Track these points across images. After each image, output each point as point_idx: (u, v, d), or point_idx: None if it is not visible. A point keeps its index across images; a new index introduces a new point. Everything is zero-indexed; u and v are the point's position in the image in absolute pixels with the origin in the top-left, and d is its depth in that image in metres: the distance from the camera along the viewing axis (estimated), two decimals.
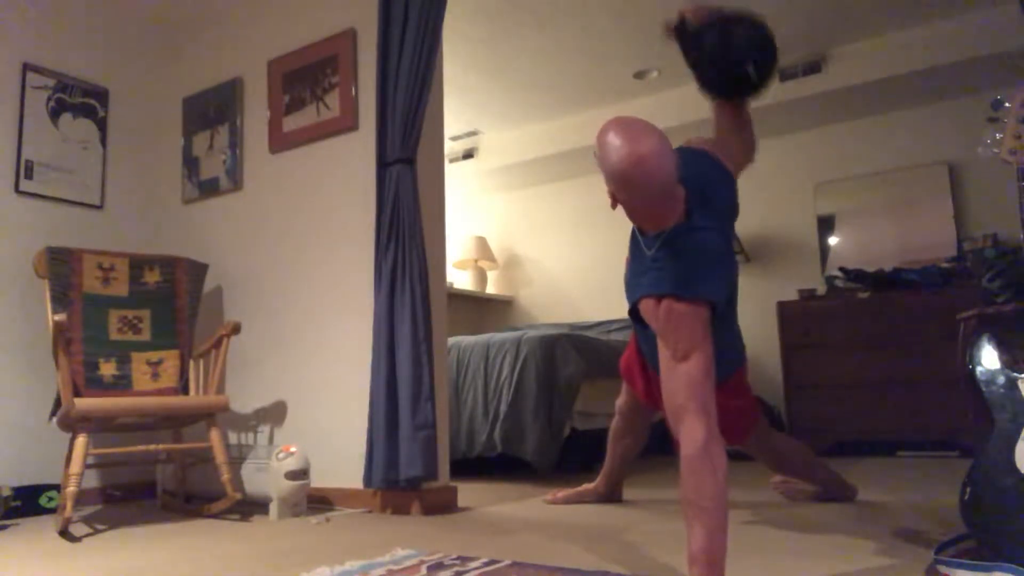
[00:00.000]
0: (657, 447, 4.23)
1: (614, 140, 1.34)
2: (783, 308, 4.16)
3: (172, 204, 3.38)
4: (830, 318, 4.02)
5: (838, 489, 2.33)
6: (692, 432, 1.34)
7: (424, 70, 2.55)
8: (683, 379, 1.39)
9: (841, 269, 4.22)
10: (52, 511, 2.72)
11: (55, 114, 3.03)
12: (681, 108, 4.54)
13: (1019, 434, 1.32)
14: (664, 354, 1.44)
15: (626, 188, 1.36)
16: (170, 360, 2.68)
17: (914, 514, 2.06)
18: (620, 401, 2.43)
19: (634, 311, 1.63)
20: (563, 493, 2.55)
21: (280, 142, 3.01)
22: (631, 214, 1.47)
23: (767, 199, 4.75)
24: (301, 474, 2.40)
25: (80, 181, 3.09)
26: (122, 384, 2.56)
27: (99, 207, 3.15)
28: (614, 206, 1.45)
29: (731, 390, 1.94)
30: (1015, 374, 1.37)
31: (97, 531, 2.26)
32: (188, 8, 3.37)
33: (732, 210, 1.72)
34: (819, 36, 3.99)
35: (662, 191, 1.36)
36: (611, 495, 2.52)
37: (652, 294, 1.49)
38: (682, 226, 1.49)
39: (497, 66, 4.24)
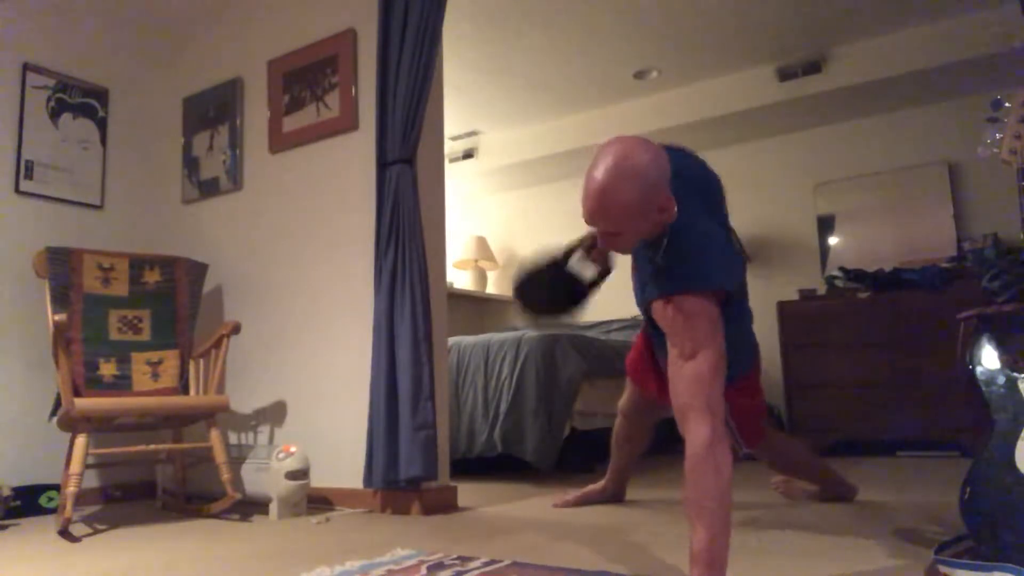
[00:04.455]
0: (662, 446, 4.23)
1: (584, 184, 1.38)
2: (783, 308, 4.16)
3: (172, 204, 3.38)
4: (830, 318, 4.02)
5: (838, 488, 2.33)
6: (697, 431, 1.33)
7: (424, 70, 2.55)
8: (689, 378, 1.38)
9: (841, 269, 4.22)
10: (52, 511, 2.72)
11: (55, 114, 3.03)
12: (681, 108, 4.54)
13: (1019, 434, 1.32)
14: (672, 353, 1.44)
15: (599, 223, 1.38)
16: (170, 360, 2.68)
17: (914, 514, 2.06)
18: (623, 402, 2.41)
19: (650, 317, 1.63)
20: (572, 496, 2.52)
21: (280, 142, 3.01)
22: (619, 244, 1.46)
23: (767, 199, 4.75)
24: (301, 474, 2.40)
25: (80, 181, 3.09)
26: (122, 384, 2.56)
27: (99, 207, 3.15)
28: (607, 246, 1.46)
29: (746, 389, 1.94)
30: (1015, 374, 1.37)
31: (97, 531, 2.26)
32: (188, 8, 3.37)
33: (723, 205, 1.72)
34: (819, 36, 3.99)
35: (631, 215, 1.36)
36: (616, 495, 2.52)
37: (661, 296, 1.49)
38: (680, 223, 1.49)
39: (497, 66, 4.24)
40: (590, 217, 1.38)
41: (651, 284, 1.52)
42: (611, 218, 1.36)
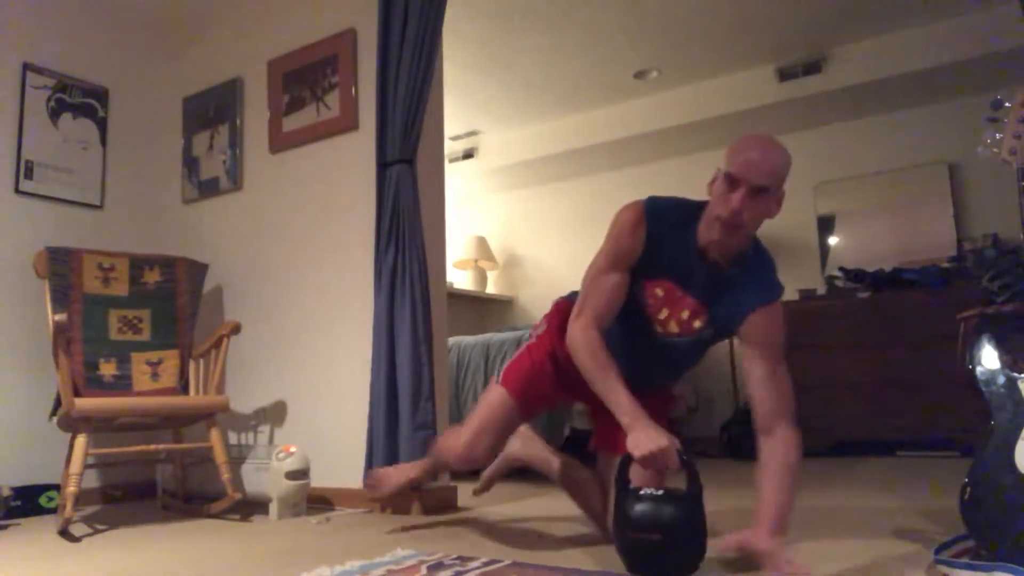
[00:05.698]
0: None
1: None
2: (783, 308, 4.15)
3: (172, 204, 3.38)
4: (830, 318, 4.02)
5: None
6: (791, 438, 1.53)
7: (424, 70, 2.55)
8: (784, 383, 1.58)
9: (841, 269, 4.22)
10: (52, 511, 2.72)
11: (55, 114, 3.03)
12: (681, 108, 4.54)
13: (1019, 434, 1.32)
14: (766, 361, 1.60)
15: (759, 176, 1.53)
16: (170, 360, 2.68)
17: (914, 514, 2.06)
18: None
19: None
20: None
21: (280, 142, 3.01)
22: (760, 204, 1.54)
23: None
24: (301, 474, 2.40)
25: (80, 181, 3.09)
26: (122, 384, 2.56)
27: (99, 207, 3.15)
28: (748, 207, 1.53)
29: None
30: (1015, 374, 1.37)
31: (97, 531, 2.26)
32: (188, 8, 3.37)
33: None
34: (819, 36, 3.98)
35: (783, 176, 1.59)
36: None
37: (762, 305, 1.62)
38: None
39: (497, 66, 4.24)
40: (753, 167, 1.50)
41: (739, 300, 1.62)
42: (772, 172, 1.51)
